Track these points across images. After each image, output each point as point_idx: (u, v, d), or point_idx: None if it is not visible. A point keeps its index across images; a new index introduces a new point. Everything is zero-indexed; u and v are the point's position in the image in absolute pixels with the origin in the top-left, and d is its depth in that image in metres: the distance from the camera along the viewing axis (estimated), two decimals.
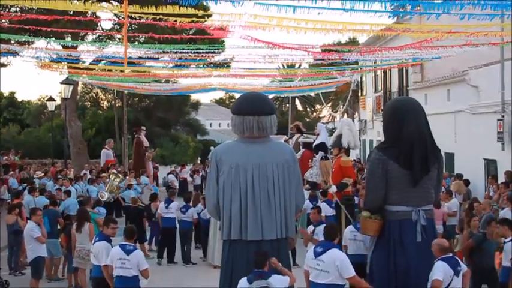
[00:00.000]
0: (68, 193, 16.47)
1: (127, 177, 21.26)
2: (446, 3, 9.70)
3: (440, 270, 6.47)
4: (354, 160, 16.98)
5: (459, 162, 21.38)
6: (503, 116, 17.85)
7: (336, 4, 9.23)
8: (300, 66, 38.16)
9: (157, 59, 19.56)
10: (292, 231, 6.31)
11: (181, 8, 10.23)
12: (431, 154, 6.43)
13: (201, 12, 11.65)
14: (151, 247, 16.31)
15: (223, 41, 23.00)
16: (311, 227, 10.76)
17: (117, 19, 20.79)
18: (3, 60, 33.26)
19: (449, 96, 22.51)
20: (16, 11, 22.63)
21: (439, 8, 9.64)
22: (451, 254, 6.76)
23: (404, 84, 28.28)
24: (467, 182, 17.97)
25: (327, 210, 14.11)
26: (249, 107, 6.15)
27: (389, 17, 11.08)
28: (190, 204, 15.20)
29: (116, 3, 26.36)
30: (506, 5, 9.58)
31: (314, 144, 17.90)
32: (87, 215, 11.60)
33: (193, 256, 14.90)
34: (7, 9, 22.49)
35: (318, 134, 18.12)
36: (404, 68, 26.64)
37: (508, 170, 16.16)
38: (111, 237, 9.23)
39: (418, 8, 11.49)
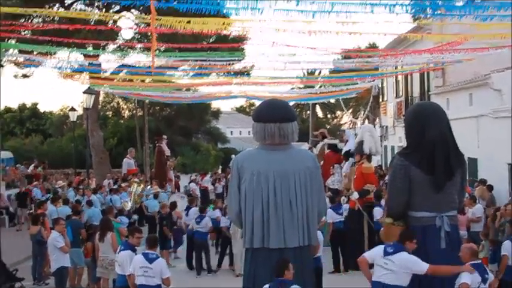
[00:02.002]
0: (89, 203, 16.57)
1: (153, 186, 21.37)
2: (468, 6, 9.63)
3: (469, 275, 6.38)
4: (375, 166, 16.87)
5: (482, 167, 21.16)
6: None
7: (357, 8, 9.21)
8: (320, 73, 38.11)
9: (177, 68, 19.65)
10: (315, 238, 6.26)
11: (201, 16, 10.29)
12: (455, 159, 6.35)
13: (221, 21, 11.70)
14: (176, 255, 16.38)
15: (243, 49, 23.05)
16: None
17: (137, 28, 20.86)
18: (26, 71, 33.69)
19: (472, 101, 22.31)
20: (38, 22, 22.88)
21: (460, 10, 9.58)
22: (480, 261, 6.67)
23: (426, 89, 28.10)
24: (490, 188, 17.79)
25: (333, 217, 14.08)
26: (270, 113, 6.12)
27: (413, 16, 11.02)
28: (205, 214, 15.20)
29: (136, 12, 26.54)
30: None
31: (343, 151, 17.83)
32: (110, 224, 11.66)
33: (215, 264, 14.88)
34: (29, 20, 22.75)
35: (347, 141, 18.03)
36: (425, 73, 26.48)
37: None
38: (136, 247, 9.26)
39: (440, 11, 11.42)
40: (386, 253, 6.77)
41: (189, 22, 11.57)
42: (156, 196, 20.13)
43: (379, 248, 6.97)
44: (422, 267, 6.42)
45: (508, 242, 9.19)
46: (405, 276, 6.64)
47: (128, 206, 18.91)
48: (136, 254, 8.95)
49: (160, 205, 17.45)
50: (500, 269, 10.45)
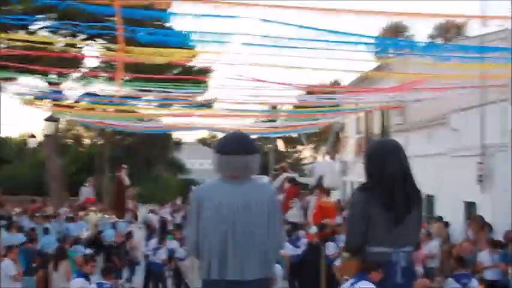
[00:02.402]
0: (45, 231, 16.30)
1: (110, 216, 21.15)
2: (430, 47, 9.93)
3: None
4: (335, 201, 17.01)
5: (439, 204, 21.51)
6: (482, 160, 18.05)
7: (322, 44, 9.38)
8: (282, 107, 38.41)
9: (140, 98, 19.62)
10: (273, 271, 6.27)
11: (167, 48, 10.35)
12: (413, 194, 6.46)
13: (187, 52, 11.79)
14: (131, 285, 16.19)
15: (206, 81, 23.17)
16: None
17: (102, 57, 20.82)
18: None
19: (431, 139, 22.72)
20: (0, 47, 22.63)
21: (422, 50, 9.85)
22: None
23: (386, 126, 28.52)
24: (447, 224, 18.07)
25: (291, 250, 14.14)
26: (232, 146, 6.15)
27: (376, 54, 11.30)
28: (163, 244, 15.12)
29: (102, 41, 26.49)
30: (486, 48, 9.82)
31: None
32: (66, 253, 11.49)
33: None
34: None
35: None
36: (386, 111, 26.92)
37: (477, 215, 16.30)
38: (89, 275, 9.13)
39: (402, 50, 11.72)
40: (351, 284, 6.83)
41: (153, 54, 11.63)
42: (113, 226, 19.88)
43: (348, 283, 7.03)
44: None
45: (451, 280, 9.36)
46: None
47: (85, 234, 18.62)
48: (90, 284, 8.82)
49: (115, 234, 17.31)
50: None
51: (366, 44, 10.21)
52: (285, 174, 20.07)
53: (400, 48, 11.83)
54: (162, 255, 14.73)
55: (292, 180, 19.28)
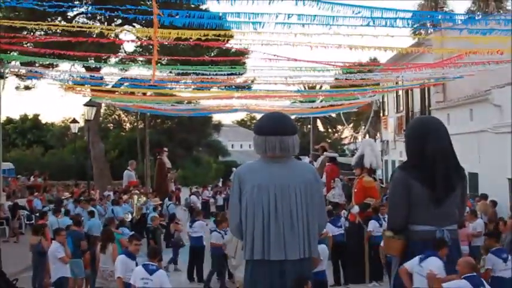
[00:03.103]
0: (91, 213, 16.61)
1: (153, 199, 21.42)
2: (470, 20, 9.72)
3: None
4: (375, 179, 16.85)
5: (483, 182, 21.19)
6: None
7: (358, 21, 9.28)
8: (321, 87, 38.22)
9: (179, 81, 19.73)
10: (315, 251, 6.27)
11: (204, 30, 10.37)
12: (455, 173, 6.37)
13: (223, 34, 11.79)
14: (176, 266, 16.38)
15: (244, 63, 23.17)
16: None
17: (139, 41, 20.98)
18: (28, 83, 33.83)
19: (472, 116, 22.37)
20: (41, 34, 23.02)
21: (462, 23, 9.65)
22: (475, 274, 6.69)
23: (427, 104, 28.17)
24: (494, 203, 17.80)
25: (332, 230, 14.10)
26: (272, 126, 6.15)
27: (413, 31, 11.13)
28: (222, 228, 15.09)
29: (138, 26, 26.69)
30: None
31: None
32: (112, 235, 11.69)
33: None
34: (32, 33, 22.88)
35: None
36: (426, 88, 26.57)
37: None
38: (135, 255, 9.28)
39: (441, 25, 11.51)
40: (420, 260, 6.78)
41: (189, 38, 11.67)
42: (155, 209, 20.15)
43: (416, 257, 7.00)
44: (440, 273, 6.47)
45: (491, 255, 9.26)
46: None
47: (129, 217, 18.92)
48: (135, 264, 8.99)
49: (151, 217, 17.54)
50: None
51: (403, 19, 10.04)
52: (325, 154, 20.02)
53: (438, 22, 11.61)
54: (210, 239, 14.90)
55: (332, 160, 19.23)
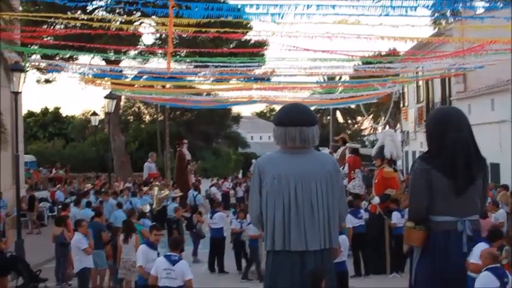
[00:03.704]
0: (119, 205, 16.85)
1: (175, 190, 21.58)
2: (493, 6, 9.61)
3: (483, 280, 6.38)
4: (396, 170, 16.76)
5: (505, 172, 21.04)
6: None
7: (378, 11, 9.23)
8: (340, 78, 38.05)
9: (197, 73, 19.77)
10: (336, 241, 6.28)
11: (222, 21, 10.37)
12: (476, 163, 6.33)
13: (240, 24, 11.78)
14: (196, 258, 16.49)
15: (263, 54, 23.13)
16: None
17: (158, 34, 21.06)
18: (49, 76, 34.12)
19: (494, 106, 22.19)
20: (60, 28, 23.17)
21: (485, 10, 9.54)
22: (498, 265, 6.66)
23: (447, 94, 27.98)
24: None
25: (352, 221, 14.08)
26: (291, 117, 6.16)
27: (435, 20, 11.02)
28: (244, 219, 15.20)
29: (157, 18, 26.76)
30: None
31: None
32: (133, 226, 11.80)
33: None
34: (52, 26, 23.05)
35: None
36: (446, 78, 26.37)
37: None
38: (156, 245, 9.35)
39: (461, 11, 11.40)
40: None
41: (205, 31, 11.67)
42: (175, 199, 20.32)
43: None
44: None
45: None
46: None
47: (147, 208, 19.04)
48: (157, 253, 9.06)
49: (174, 208, 17.67)
50: None
51: (423, 7, 9.96)
52: (347, 145, 19.96)
53: (458, 11, 11.49)
54: (234, 227, 14.99)
55: (354, 151, 19.15)
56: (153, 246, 9.29)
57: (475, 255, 6.72)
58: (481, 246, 6.70)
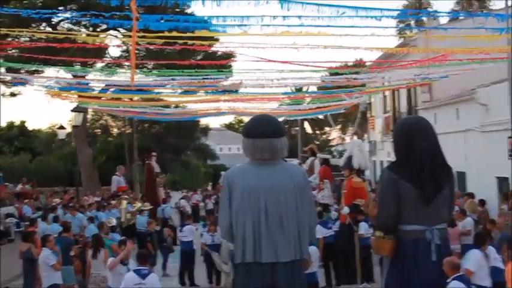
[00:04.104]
0: (91, 219, 16.72)
1: (145, 204, 21.44)
2: (454, 14, 9.77)
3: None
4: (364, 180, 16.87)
5: (471, 181, 21.33)
6: None
7: (344, 22, 9.31)
8: (308, 89, 38.26)
9: (165, 86, 19.68)
10: (306, 252, 6.29)
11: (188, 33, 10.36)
12: (443, 172, 6.41)
13: (207, 36, 11.77)
14: (165, 272, 16.38)
15: (230, 66, 23.15)
16: None
17: (124, 46, 20.94)
18: (14, 89, 33.66)
19: (459, 115, 22.51)
20: (26, 40, 22.92)
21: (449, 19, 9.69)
22: (462, 273, 6.74)
23: (413, 104, 28.32)
24: (483, 202, 17.90)
25: (322, 232, 14.16)
26: (260, 129, 6.17)
27: (400, 30, 11.18)
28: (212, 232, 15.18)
29: (123, 30, 26.63)
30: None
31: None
32: (102, 241, 11.68)
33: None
34: (16, 39, 22.78)
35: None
36: (412, 89, 26.70)
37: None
38: (126, 260, 9.26)
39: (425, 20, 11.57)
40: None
41: (172, 42, 11.62)
42: (141, 212, 20.21)
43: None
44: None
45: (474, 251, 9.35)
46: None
47: (113, 222, 18.85)
48: (126, 269, 8.96)
49: (148, 221, 17.54)
50: None
51: (388, 17, 10.07)
52: (318, 155, 20.04)
53: (422, 21, 11.68)
54: (201, 240, 14.93)
55: (325, 162, 19.23)
56: (123, 262, 9.19)
57: (470, 261, 6.83)
58: (475, 252, 6.82)
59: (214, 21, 10.75)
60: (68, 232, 13.78)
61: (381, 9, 9.99)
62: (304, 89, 39.79)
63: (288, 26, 10.35)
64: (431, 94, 26.64)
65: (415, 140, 6.39)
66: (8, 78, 21.51)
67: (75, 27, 29.93)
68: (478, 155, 20.41)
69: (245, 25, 10.20)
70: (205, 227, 16.02)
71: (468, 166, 21.21)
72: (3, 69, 24.37)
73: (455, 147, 20.31)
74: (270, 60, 13.95)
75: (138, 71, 18.57)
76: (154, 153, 26.96)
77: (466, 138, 21.51)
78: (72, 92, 20.62)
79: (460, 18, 13.49)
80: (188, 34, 11.12)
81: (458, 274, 6.64)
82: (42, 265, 11.53)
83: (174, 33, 11.00)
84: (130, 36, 12.68)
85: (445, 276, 6.52)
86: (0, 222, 23.26)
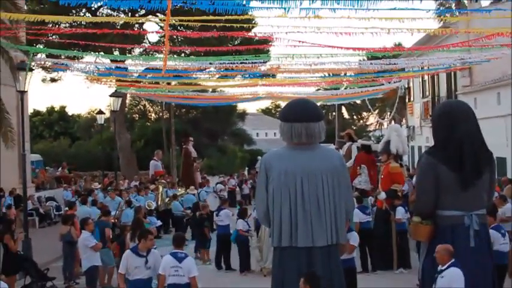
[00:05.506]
0: (128, 203, 16.89)
1: (191, 187, 21.64)
2: None
3: (455, 277, 6.38)
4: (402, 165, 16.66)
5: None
6: None
7: (383, 4, 9.20)
8: (345, 74, 37.94)
9: (203, 70, 19.72)
10: (343, 237, 6.27)
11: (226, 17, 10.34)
12: (482, 157, 6.32)
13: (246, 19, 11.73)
14: (197, 255, 16.44)
15: (268, 50, 23.09)
16: None
17: (163, 32, 21.05)
18: (54, 75, 34.16)
19: (500, 100, 22.10)
20: (66, 27, 23.19)
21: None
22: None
23: (453, 88, 27.89)
24: None
25: (360, 217, 14.04)
26: (297, 113, 6.15)
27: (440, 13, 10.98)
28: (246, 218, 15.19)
29: (161, 15, 26.74)
30: None
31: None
32: (142, 224, 11.81)
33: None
34: (57, 25, 23.06)
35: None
36: (452, 73, 26.28)
37: None
38: (143, 251, 9.22)
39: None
40: None
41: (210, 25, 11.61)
42: (175, 197, 20.46)
43: None
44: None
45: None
46: None
47: (152, 206, 19.02)
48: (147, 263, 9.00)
49: (201, 205, 17.54)
50: None
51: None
52: (358, 142, 19.83)
53: (463, 3, 11.46)
54: (239, 226, 14.95)
55: (366, 148, 18.99)
56: (140, 254, 9.04)
57: None
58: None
59: (252, 4, 10.72)
60: (107, 216, 13.95)
61: None
62: (342, 73, 39.50)
63: (328, 8, 10.24)
64: (472, 78, 26.23)
65: (455, 124, 6.31)
66: (49, 63, 21.78)
67: (115, 13, 30.14)
68: None
69: (284, 8, 10.14)
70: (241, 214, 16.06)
71: (509, 151, 20.86)
72: (44, 55, 24.72)
73: (496, 132, 19.98)
74: (307, 45, 13.83)
75: (176, 55, 18.63)
76: (191, 138, 27.15)
77: (507, 123, 21.14)
78: (111, 77, 20.83)
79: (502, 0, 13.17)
80: (226, 17, 11.10)
81: (454, 260, 6.46)
82: (81, 247, 11.73)
83: (211, 17, 11.00)
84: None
85: (486, 263, 6.41)
86: (41, 205, 23.73)
